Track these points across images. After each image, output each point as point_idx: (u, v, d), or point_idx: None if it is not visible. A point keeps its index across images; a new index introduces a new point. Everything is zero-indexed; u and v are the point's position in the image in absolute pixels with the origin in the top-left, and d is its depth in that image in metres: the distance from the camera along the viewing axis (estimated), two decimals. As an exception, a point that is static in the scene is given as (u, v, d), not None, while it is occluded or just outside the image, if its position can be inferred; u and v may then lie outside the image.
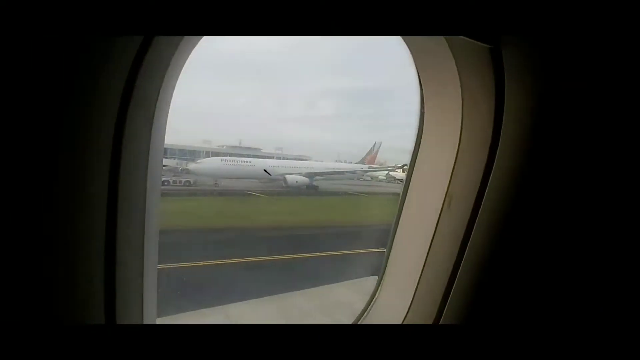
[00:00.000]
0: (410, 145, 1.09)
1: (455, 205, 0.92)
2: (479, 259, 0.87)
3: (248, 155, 14.30)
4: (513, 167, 0.81)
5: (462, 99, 0.88)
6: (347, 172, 17.82)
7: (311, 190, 14.89)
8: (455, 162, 0.93)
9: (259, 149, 16.38)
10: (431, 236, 0.98)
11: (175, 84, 0.67)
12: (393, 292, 1.14)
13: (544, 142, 0.76)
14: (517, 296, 0.87)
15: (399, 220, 1.13)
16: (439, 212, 0.96)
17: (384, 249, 1.18)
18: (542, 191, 0.80)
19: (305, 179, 14.65)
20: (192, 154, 13.80)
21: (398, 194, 1.15)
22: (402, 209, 1.13)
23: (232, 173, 13.07)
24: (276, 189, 14.17)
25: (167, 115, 0.68)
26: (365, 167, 18.44)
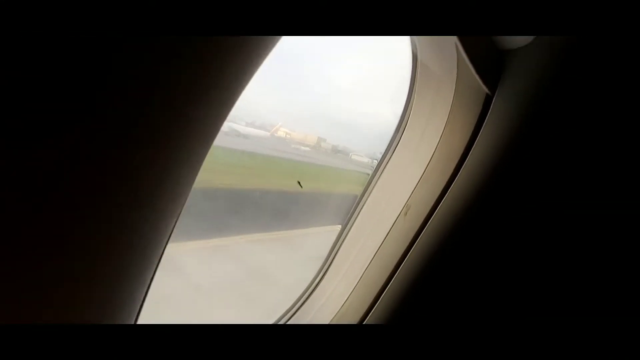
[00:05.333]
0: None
1: (411, 215, 0.94)
2: (415, 267, 0.92)
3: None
4: (469, 189, 0.84)
5: (448, 117, 0.87)
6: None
7: None
8: (422, 175, 0.94)
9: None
10: (381, 241, 0.99)
11: None
12: (331, 289, 1.11)
13: (509, 171, 0.80)
14: (447, 303, 0.95)
15: (353, 220, 1.08)
16: (394, 219, 0.97)
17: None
18: (493, 216, 0.85)
19: None
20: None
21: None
22: (359, 209, 1.07)
23: None
24: None
25: None
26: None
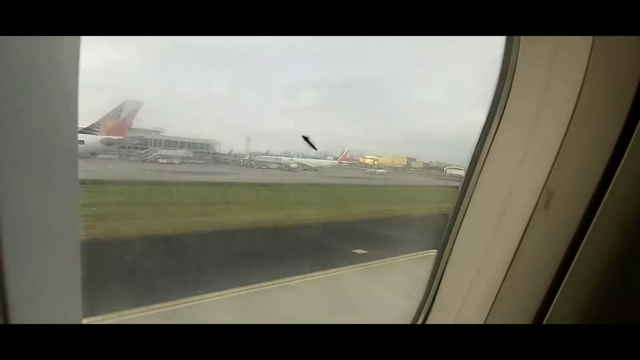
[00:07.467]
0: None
1: (557, 204, 0.73)
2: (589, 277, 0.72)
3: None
4: None
5: (591, 52, 0.64)
6: None
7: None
8: (560, 146, 0.70)
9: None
10: (517, 243, 0.79)
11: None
12: (457, 298, 0.96)
13: None
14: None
15: (460, 219, 0.91)
16: (529, 213, 0.76)
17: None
18: None
19: None
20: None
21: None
22: (465, 205, 0.90)
23: None
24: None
25: None
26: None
